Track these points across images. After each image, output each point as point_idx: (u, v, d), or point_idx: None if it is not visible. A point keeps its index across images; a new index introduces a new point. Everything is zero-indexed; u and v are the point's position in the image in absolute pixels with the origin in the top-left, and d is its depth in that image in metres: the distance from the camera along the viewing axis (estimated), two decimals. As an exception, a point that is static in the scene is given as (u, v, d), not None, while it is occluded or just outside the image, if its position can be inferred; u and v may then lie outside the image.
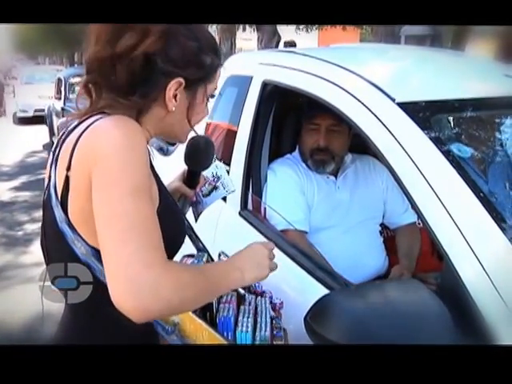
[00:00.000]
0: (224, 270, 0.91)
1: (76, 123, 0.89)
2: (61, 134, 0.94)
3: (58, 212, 0.85)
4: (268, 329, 1.02)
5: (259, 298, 1.14)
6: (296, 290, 1.39)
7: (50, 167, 0.90)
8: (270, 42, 8.23)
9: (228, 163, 1.78)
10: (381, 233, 1.81)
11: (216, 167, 1.30)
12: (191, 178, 1.21)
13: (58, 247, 0.88)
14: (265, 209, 1.68)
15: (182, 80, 0.89)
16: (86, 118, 0.88)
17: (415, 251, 1.71)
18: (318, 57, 1.60)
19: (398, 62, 1.73)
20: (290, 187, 1.69)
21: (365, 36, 11.66)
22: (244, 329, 0.98)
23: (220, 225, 1.73)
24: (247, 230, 1.62)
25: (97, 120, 0.85)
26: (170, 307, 0.78)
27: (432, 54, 2.03)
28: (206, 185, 1.28)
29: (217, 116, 2.00)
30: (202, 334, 0.93)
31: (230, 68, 2.06)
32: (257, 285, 1.18)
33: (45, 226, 0.92)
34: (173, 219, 0.90)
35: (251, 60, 2.01)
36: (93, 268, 0.85)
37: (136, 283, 0.71)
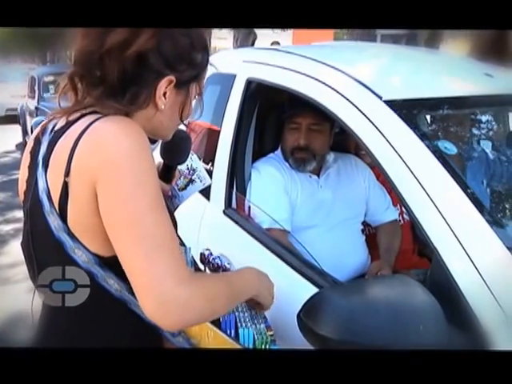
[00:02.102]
0: (245, 278, 0.97)
1: (64, 123, 0.85)
2: (39, 133, 0.89)
3: (55, 220, 0.81)
4: (261, 321, 1.05)
5: None
6: (283, 287, 1.39)
7: (34, 171, 0.85)
8: (245, 40, 8.24)
9: (212, 161, 1.78)
10: (362, 231, 1.82)
11: (191, 159, 1.27)
12: (167, 172, 1.18)
13: (54, 256, 0.84)
14: (249, 207, 1.68)
15: (172, 78, 0.86)
16: (78, 118, 0.83)
17: (396, 247, 1.74)
18: (303, 55, 1.61)
19: (382, 60, 1.75)
20: (273, 186, 1.70)
21: (339, 35, 11.76)
22: (244, 324, 1.02)
23: (204, 223, 1.73)
24: (232, 228, 1.62)
25: (94, 121, 0.81)
26: (204, 317, 0.85)
27: (415, 53, 2.07)
28: (182, 178, 1.26)
29: (199, 115, 1.99)
30: (206, 333, 0.95)
31: (212, 66, 2.06)
32: None
33: (33, 235, 0.87)
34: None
35: (235, 58, 2.01)
36: (95, 275, 0.84)
37: (171, 300, 0.75)
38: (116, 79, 0.84)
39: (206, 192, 1.75)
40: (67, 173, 0.79)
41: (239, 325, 1.01)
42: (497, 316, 0.90)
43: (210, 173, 1.78)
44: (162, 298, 0.74)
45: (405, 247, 1.79)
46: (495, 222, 1.04)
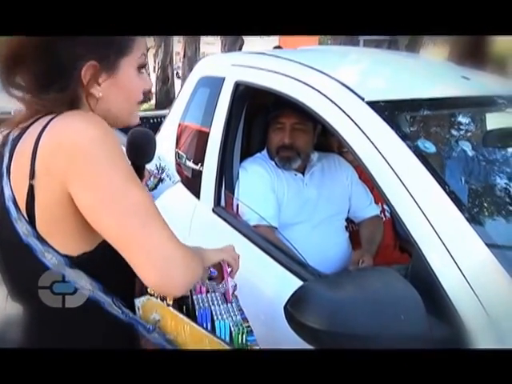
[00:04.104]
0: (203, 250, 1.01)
1: (19, 130, 0.84)
2: (0, 146, 0.87)
3: (23, 226, 0.80)
4: (237, 313, 1.05)
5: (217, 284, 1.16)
6: (270, 281, 1.43)
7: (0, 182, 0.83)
8: (233, 45, 8.28)
9: (201, 162, 1.82)
10: (346, 227, 1.88)
11: (159, 159, 1.26)
12: (135, 172, 1.19)
13: (23, 262, 0.83)
14: (237, 205, 1.73)
15: (94, 63, 0.83)
16: (33, 122, 0.82)
17: (377, 239, 1.81)
18: (289, 58, 1.65)
19: (364, 63, 1.81)
20: (260, 185, 1.75)
21: (323, 40, 11.84)
22: (220, 317, 1.01)
23: (194, 221, 1.76)
24: (221, 226, 1.66)
25: (51, 120, 0.79)
26: (197, 277, 0.88)
27: (396, 57, 2.13)
28: (151, 178, 1.26)
29: (189, 116, 2.03)
30: (182, 328, 0.95)
31: (201, 69, 2.10)
32: (212, 271, 1.20)
33: (1, 243, 0.85)
34: None
35: (223, 62, 2.05)
36: (66, 277, 0.83)
37: (174, 264, 0.77)
38: (44, 73, 0.82)
39: (196, 191, 1.80)
40: (32, 175, 0.78)
41: (215, 318, 1.01)
42: (475, 308, 0.93)
43: (199, 173, 1.82)
44: (167, 264, 0.76)
45: (386, 243, 1.85)
46: (473, 219, 1.07)
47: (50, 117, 0.80)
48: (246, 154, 1.87)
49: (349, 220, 1.91)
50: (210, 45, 13.62)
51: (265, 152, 1.86)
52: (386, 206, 1.91)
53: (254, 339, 1.00)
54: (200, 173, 1.81)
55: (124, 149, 1.12)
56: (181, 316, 0.95)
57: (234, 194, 1.75)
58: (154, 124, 3.12)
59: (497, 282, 0.95)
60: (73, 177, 0.76)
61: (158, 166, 1.28)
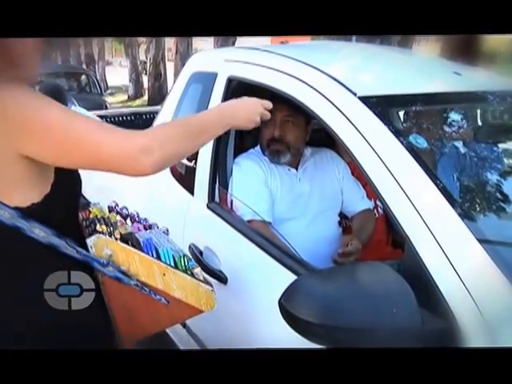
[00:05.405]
0: (212, 119, 1.09)
1: None
2: None
3: None
4: (176, 245, 1.21)
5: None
6: (264, 276, 1.44)
7: None
8: (226, 41, 8.26)
9: (195, 159, 1.82)
10: (340, 223, 1.89)
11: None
12: None
13: None
14: (231, 201, 1.73)
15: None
16: None
17: (368, 228, 1.82)
18: (282, 54, 1.66)
19: (356, 58, 1.81)
20: (254, 180, 1.75)
21: (315, 36, 11.83)
22: (162, 245, 1.14)
23: (189, 217, 1.77)
24: (215, 222, 1.67)
25: None
26: (168, 158, 0.96)
27: (387, 52, 2.14)
28: None
29: (182, 112, 2.02)
30: (133, 258, 1.04)
31: (194, 65, 2.10)
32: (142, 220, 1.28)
33: None
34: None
35: (216, 57, 2.05)
36: (21, 229, 0.89)
37: (147, 145, 0.88)
38: None
39: (190, 187, 1.80)
40: None
41: (158, 246, 1.12)
42: (466, 302, 0.94)
43: (192, 169, 1.83)
44: (133, 150, 0.87)
45: (379, 238, 1.87)
46: (465, 214, 1.08)
47: None
48: (240, 149, 1.87)
49: (342, 215, 1.92)
50: (203, 40, 13.59)
51: (258, 148, 1.87)
52: (378, 202, 1.92)
53: (193, 264, 1.16)
54: (194, 169, 1.81)
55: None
56: (129, 248, 1.06)
57: (227, 189, 1.75)
58: (147, 120, 3.12)
59: (488, 276, 0.96)
60: (18, 135, 0.83)
61: None
